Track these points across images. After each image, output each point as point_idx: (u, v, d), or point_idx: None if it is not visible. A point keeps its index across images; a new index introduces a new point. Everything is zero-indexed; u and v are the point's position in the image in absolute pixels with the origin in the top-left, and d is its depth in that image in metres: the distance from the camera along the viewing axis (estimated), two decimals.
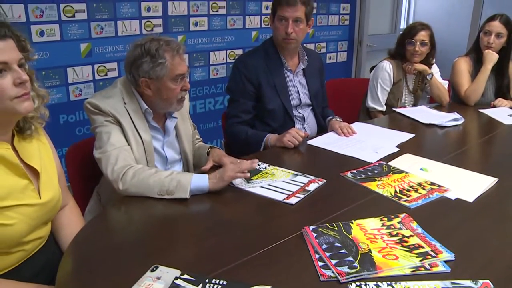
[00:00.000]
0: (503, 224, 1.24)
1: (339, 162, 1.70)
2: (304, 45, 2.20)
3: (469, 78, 2.71)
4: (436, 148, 2.02)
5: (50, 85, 2.43)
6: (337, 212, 1.26)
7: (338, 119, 2.15)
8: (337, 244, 1.08)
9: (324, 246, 1.06)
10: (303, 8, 1.93)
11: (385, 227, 1.17)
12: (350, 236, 1.11)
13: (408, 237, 1.12)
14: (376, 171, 1.57)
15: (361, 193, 1.41)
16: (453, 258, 1.03)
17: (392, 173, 1.55)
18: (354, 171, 1.57)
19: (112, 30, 2.64)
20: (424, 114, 2.38)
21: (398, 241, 1.10)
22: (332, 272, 0.97)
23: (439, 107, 2.62)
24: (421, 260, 1.02)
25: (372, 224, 1.19)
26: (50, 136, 1.27)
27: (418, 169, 1.59)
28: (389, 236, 1.13)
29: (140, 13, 2.74)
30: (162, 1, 2.82)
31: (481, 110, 2.54)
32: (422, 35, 2.49)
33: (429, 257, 1.03)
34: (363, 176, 1.53)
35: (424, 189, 1.43)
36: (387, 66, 2.58)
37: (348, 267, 0.98)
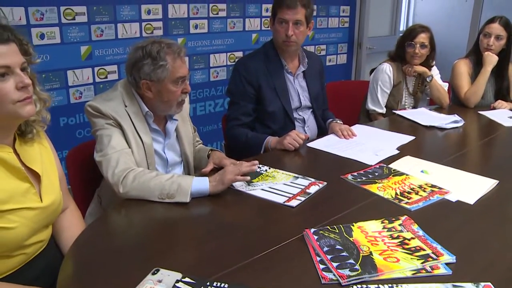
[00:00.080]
0: (504, 226, 1.24)
1: (339, 164, 1.70)
2: (304, 47, 2.20)
3: (469, 80, 2.71)
4: (436, 150, 2.02)
5: (50, 87, 2.43)
6: (338, 215, 1.26)
7: (338, 121, 2.15)
8: (338, 246, 1.08)
9: (325, 248, 1.06)
10: (303, 11, 1.93)
11: (386, 230, 1.17)
12: (351, 239, 1.11)
13: (409, 240, 1.12)
14: (376, 174, 1.57)
15: (361, 195, 1.41)
16: (454, 261, 1.03)
17: (393, 176, 1.55)
18: (355, 174, 1.57)
19: (112, 33, 2.64)
20: (424, 116, 2.38)
21: (399, 243, 1.11)
22: (334, 274, 0.97)
23: (439, 109, 2.62)
24: (422, 263, 1.02)
25: (373, 226, 1.19)
26: (51, 139, 1.27)
27: (419, 171, 1.60)
28: (390, 238, 1.13)
29: (140, 15, 2.74)
30: (162, 3, 2.82)
31: (481, 112, 2.55)
32: (422, 37, 2.49)
33: (430, 259, 1.03)
34: (364, 178, 1.53)
35: (424, 191, 1.43)
36: (387, 69, 2.58)
37: (349, 270, 0.98)
